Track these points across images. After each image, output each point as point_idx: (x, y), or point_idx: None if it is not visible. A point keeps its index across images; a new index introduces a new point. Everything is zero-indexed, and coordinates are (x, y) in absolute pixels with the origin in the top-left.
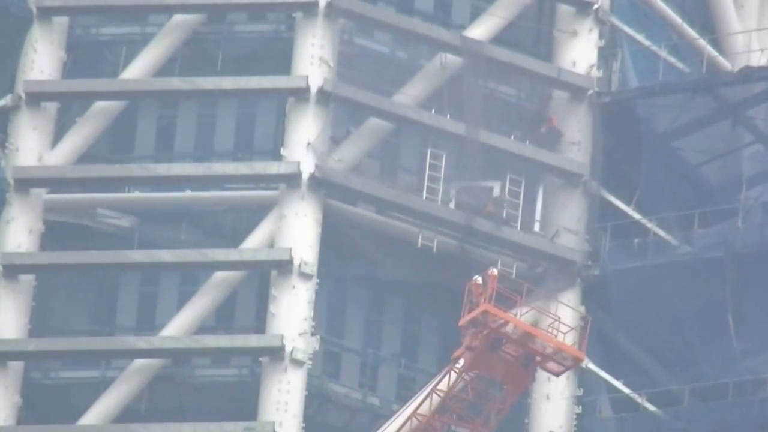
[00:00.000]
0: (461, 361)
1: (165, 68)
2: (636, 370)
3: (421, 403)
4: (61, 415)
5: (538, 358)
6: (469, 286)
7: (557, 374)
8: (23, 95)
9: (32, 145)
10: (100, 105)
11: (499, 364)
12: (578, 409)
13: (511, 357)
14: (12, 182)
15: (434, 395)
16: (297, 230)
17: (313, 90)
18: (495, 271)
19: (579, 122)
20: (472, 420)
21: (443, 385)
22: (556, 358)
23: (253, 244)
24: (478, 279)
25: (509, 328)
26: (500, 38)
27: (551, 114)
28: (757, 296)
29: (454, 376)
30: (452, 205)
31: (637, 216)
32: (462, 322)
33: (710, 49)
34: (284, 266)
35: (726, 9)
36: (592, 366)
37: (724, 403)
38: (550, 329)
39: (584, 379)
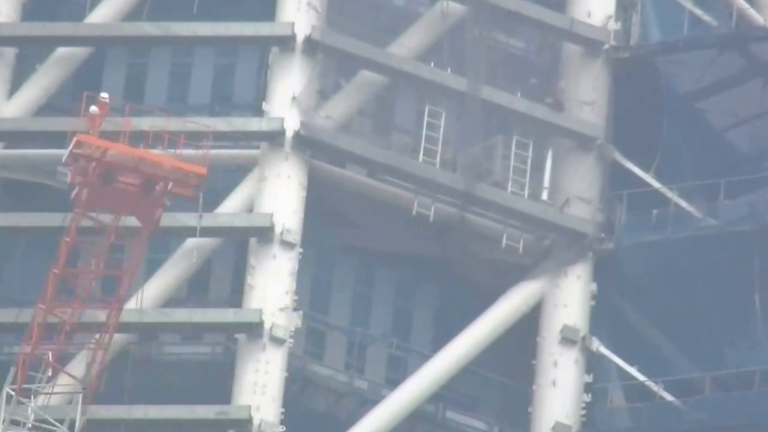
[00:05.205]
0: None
1: (135, 11)
2: (652, 356)
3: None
4: None
5: (160, 183)
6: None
7: (190, 197)
8: None
9: None
10: (63, 51)
11: (120, 197)
12: (587, 398)
13: (133, 188)
14: None
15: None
16: (279, 194)
17: (300, 38)
18: (106, 97)
19: (593, 80)
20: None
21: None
22: (180, 180)
23: (231, 208)
24: (97, 110)
25: (113, 154)
26: None
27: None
28: None
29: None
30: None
31: (656, 184)
32: (64, 159)
33: (740, 1)
34: (264, 233)
35: None
36: (603, 350)
37: (750, 392)
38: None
39: (594, 365)
